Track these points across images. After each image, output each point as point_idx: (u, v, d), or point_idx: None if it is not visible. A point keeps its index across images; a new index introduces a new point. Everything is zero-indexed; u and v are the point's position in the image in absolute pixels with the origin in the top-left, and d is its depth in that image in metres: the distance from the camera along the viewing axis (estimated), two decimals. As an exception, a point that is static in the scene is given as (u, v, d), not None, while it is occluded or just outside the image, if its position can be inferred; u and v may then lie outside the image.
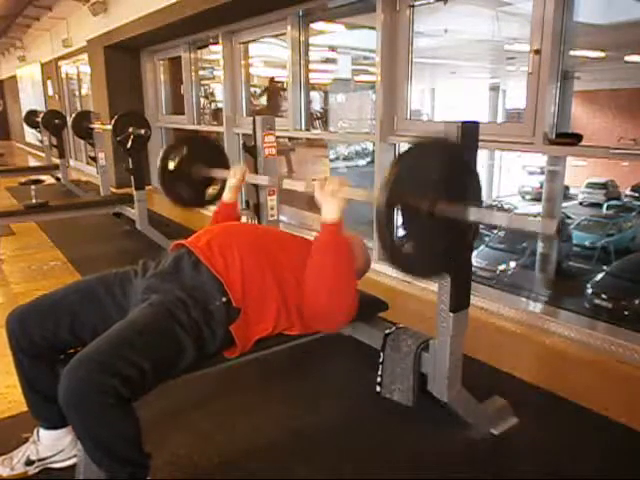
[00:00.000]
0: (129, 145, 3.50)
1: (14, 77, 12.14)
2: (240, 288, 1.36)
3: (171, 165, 2.07)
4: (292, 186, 1.79)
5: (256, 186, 2.31)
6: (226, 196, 1.94)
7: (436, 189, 1.15)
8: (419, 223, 1.15)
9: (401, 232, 1.15)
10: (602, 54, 5.13)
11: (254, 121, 2.30)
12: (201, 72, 5.34)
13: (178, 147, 2.11)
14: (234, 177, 1.93)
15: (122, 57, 5.85)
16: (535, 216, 8.82)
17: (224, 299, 1.33)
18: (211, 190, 2.18)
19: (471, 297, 1.43)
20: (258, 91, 5.88)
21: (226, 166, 2.17)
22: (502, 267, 7.39)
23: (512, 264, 7.40)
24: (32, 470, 1.41)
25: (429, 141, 1.20)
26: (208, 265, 1.37)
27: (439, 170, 1.17)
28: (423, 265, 1.22)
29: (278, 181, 1.98)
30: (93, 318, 1.35)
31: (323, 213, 1.42)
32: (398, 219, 1.15)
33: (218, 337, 1.32)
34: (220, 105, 4.97)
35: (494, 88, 9.74)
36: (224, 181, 2.01)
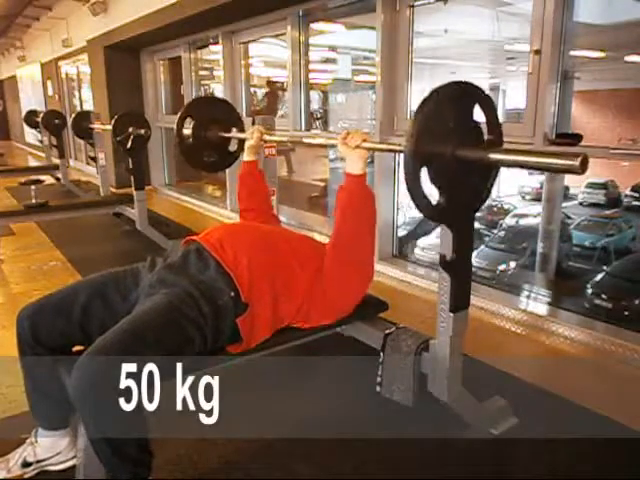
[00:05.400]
0: (129, 145, 3.50)
1: (14, 77, 12.15)
2: (248, 282, 1.37)
3: (187, 133, 2.09)
4: (313, 140, 1.77)
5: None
6: (246, 157, 1.96)
7: (458, 135, 1.17)
8: (445, 170, 1.17)
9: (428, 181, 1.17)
10: (602, 54, 5.13)
11: (254, 122, 2.30)
12: (201, 72, 5.34)
13: (191, 113, 2.12)
14: (251, 137, 1.95)
15: (122, 57, 5.86)
16: (535, 216, 8.83)
17: (232, 293, 1.34)
18: (230, 149, 2.20)
19: (471, 297, 1.43)
20: (259, 92, 5.88)
21: (240, 123, 2.18)
22: (502, 267, 7.38)
23: (512, 264, 7.39)
24: (29, 472, 1.40)
25: (447, 86, 1.20)
26: (218, 259, 1.38)
27: (460, 114, 1.19)
28: (450, 211, 1.24)
29: (296, 139, 2.00)
30: (102, 314, 1.36)
31: (348, 166, 1.44)
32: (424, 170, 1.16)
33: (225, 331, 1.34)
34: (220, 105, 4.96)
35: (494, 88, 9.72)
36: (242, 140, 2.04)
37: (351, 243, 1.46)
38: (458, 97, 1.20)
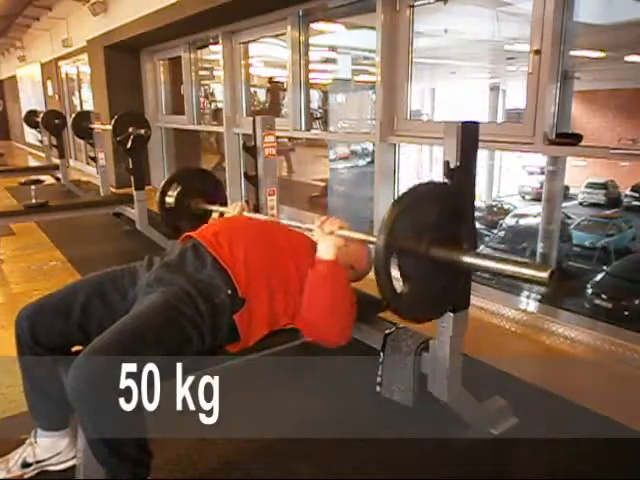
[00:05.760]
0: (129, 145, 3.50)
1: (14, 77, 12.14)
2: (245, 278, 1.37)
3: (170, 200, 2.13)
4: (289, 222, 1.80)
5: (256, 186, 2.31)
6: None
7: (433, 233, 1.19)
8: (416, 267, 1.18)
9: (398, 276, 1.18)
10: (602, 54, 5.13)
11: (254, 121, 2.30)
12: (201, 72, 5.34)
13: (176, 182, 2.15)
14: (233, 211, 1.95)
15: (122, 57, 5.85)
16: (535, 216, 8.84)
17: (229, 291, 1.35)
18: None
19: (471, 297, 1.43)
20: (260, 92, 5.87)
21: (223, 198, 2.22)
22: (502, 267, 7.38)
23: (512, 264, 7.38)
24: (29, 473, 1.40)
25: (426, 186, 1.23)
26: (215, 256, 1.39)
27: (436, 215, 1.20)
28: (421, 309, 1.26)
29: (277, 217, 2.05)
30: (101, 313, 1.36)
31: (320, 250, 1.46)
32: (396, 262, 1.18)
33: (223, 328, 1.34)
34: (220, 105, 4.97)
35: (494, 88, 9.73)
36: (221, 214, 2.06)
37: (325, 321, 1.45)
38: (436, 196, 1.22)
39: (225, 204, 2.18)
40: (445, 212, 1.22)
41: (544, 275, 1.04)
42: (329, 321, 1.44)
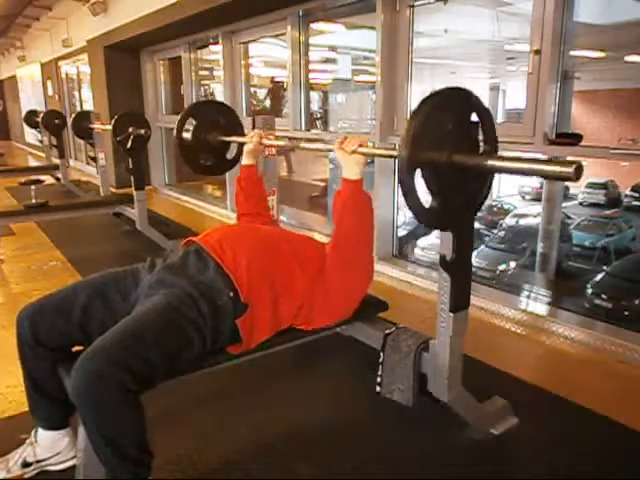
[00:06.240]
0: (129, 145, 3.49)
1: (14, 77, 12.15)
2: (247, 283, 1.37)
3: (187, 136, 2.10)
4: (310, 145, 1.79)
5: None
6: (245, 160, 1.97)
7: (453, 141, 1.17)
8: (441, 178, 1.17)
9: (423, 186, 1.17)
10: (602, 54, 5.13)
11: (254, 121, 2.30)
12: (201, 72, 5.34)
13: (193, 114, 2.13)
14: (250, 141, 1.95)
15: (122, 57, 5.85)
16: (535, 216, 8.84)
17: (231, 294, 1.35)
18: (228, 155, 2.21)
19: (471, 297, 1.43)
20: (260, 92, 5.87)
21: (240, 129, 2.19)
22: (502, 267, 7.39)
23: (512, 264, 7.39)
24: (29, 472, 1.40)
25: (441, 92, 1.19)
26: (217, 260, 1.38)
27: (457, 119, 1.18)
28: (445, 216, 1.24)
29: (294, 145, 2.02)
30: (102, 314, 1.36)
31: (344, 171, 1.46)
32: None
33: (224, 331, 1.34)
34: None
35: (494, 88, 9.72)
36: (241, 144, 2.04)
37: (350, 245, 1.47)
38: (454, 102, 1.20)
39: (242, 135, 2.16)
40: (464, 118, 1.21)
41: (570, 170, 1.01)
42: (353, 251, 1.46)
